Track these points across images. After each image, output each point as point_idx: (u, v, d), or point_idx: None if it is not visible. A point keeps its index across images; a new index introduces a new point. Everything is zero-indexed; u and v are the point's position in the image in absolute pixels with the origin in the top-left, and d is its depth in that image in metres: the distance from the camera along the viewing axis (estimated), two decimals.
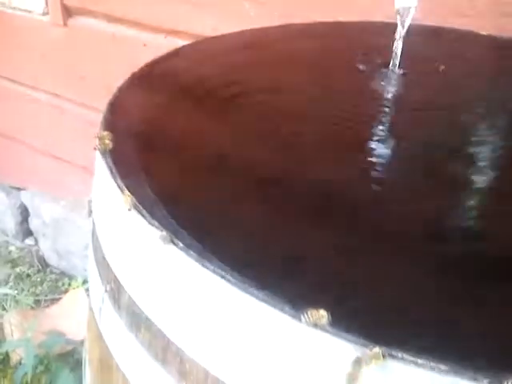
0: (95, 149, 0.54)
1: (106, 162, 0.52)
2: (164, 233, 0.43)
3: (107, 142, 0.54)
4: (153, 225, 0.44)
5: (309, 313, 0.36)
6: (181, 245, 0.43)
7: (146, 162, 0.53)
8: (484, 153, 0.62)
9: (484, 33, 0.87)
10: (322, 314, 0.36)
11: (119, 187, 0.48)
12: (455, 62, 0.80)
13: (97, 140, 0.54)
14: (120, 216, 0.48)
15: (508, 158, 0.61)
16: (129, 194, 0.47)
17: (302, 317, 0.36)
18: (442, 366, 0.33)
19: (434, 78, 0.75)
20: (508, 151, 0.62)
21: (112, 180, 0.49)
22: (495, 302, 0.41)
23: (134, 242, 0.47)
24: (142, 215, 0.46)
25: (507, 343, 0.38)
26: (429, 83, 0.74)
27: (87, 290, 1.38)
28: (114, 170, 0.50)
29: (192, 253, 0.42)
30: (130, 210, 0.46)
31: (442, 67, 0.77)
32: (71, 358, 1.28)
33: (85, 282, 1.48)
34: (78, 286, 1.47)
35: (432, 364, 0.33)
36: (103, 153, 0.53)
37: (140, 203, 0.46)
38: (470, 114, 0.68)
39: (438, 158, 0.59)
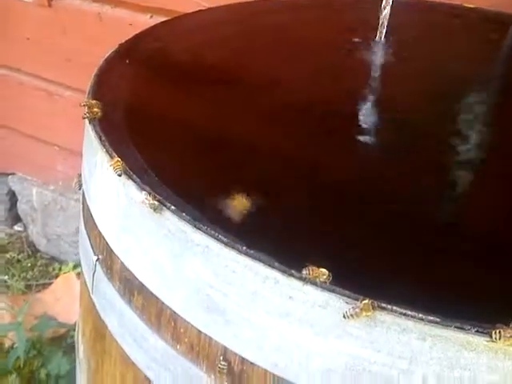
0: (84, 117, 0.54)
1: (95, 130, 0.51)
2: (155, 201, 0.42)
3: (96, 110, 0.53)
4: (144, 189, 0.44)
5: (310, 268, 0.36)
6: (173, 208, 0.43)
7: (135, 131, 0.53)
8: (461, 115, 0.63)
9: (472, 6, 0.87)
10: (323, 272, 0.36)
11: (109, 153, 0.48)
12: (441, 34, 0.80)
13: (85, 108, 0.53)
14: (110, 182, 0.48)
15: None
16: (119, 159, 0.46)
17: (303, 271, 0.36)
18: (431, 317, 0.34)
19: (418, 50, 0.75)
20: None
21: (102, 147, 0.49)
22: (480, 256, 0.42)
23: (125, 208, 0.47)
24: (133, 180, 0.45)
25: (495, 293, 0.38)
26: (413, 55, 0.74)
27: (78, 274, 1.37)
28: (103, 138, 0.50)
29: (184, 215, 0.42)
30: (120, 175, 0.46)
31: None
32: (64, 342, 1.27)
33: (75, 266, 1.47)
34: (68, 271, 1.46)
35: (421, 315, 0.34)
36: (92, 121, 0.52)
37: (130, 169, 0.46)
38: (452, 88, 0.68)
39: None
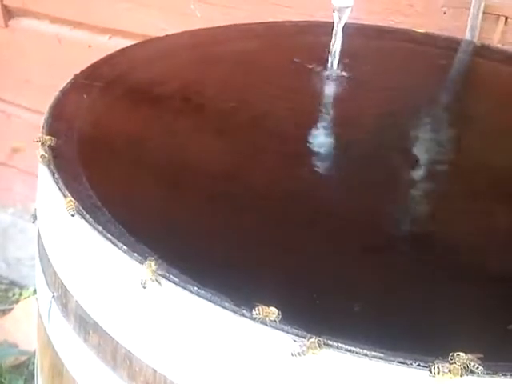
0: (38, 155, 0.53)
1: (49, 168, 0.51)
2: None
3: (48, 145, 0.53)
4: (96, 229, 0.44)
5: (260, 308, 0.37)
6: (124, 248, 0.43)
7: (89, 167, 0.53)
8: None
9: (421, 31, 0.90)
10: (273, 311, 0.37)
11: (62, 193, 0.48)
12: (390, 60, 0.83)
13: (39, 145, 0.53)
14: (64, 222, 0.48)
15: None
16: (71, 199, 0.47)
17: (253, 311, 0.37)
18: (375, 353, 0.35)
19: (369, 75, 0.78)
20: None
21: (55, 185, 0.49)
22: (422, 292, 0.43)
23: (79, 248, 0.47)
24: (86, 220, 0.45)
25: (436, 329, 0.40)
26: (364, 80, 0.77)
27: None
28: (56, 176, 0.50)
29: (136, 255, 0.42)
30: (73, 215, 0.46)
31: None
32: (25, 369, 1.24)
33: (36, 291, 1.43)
34: (29, 296, 1.43)
35: (365, 351, 0.35)
36: (45, 158, 0.52)
37: (83, 208, 0.46)
38: (400, 113, 0.71)
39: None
